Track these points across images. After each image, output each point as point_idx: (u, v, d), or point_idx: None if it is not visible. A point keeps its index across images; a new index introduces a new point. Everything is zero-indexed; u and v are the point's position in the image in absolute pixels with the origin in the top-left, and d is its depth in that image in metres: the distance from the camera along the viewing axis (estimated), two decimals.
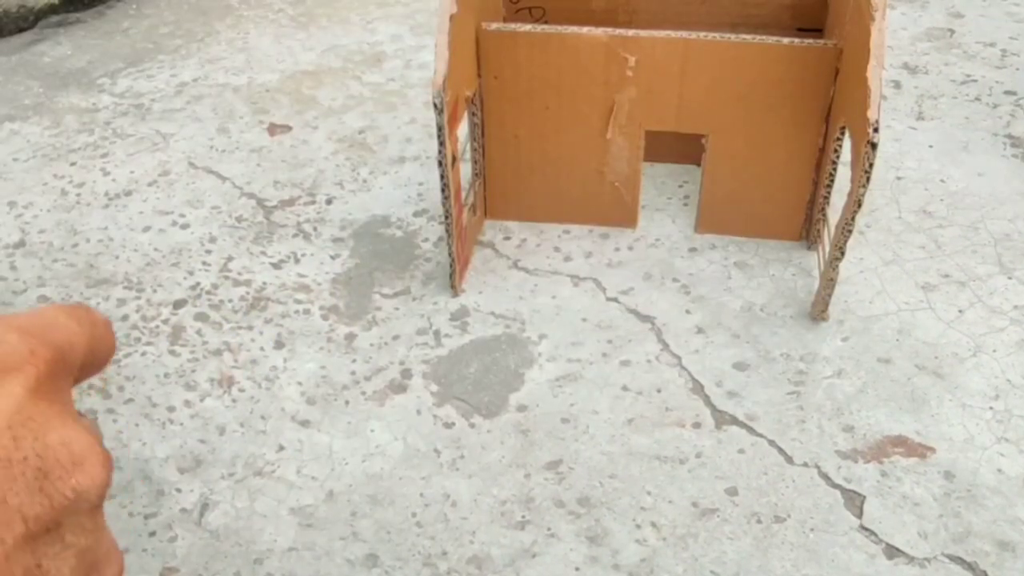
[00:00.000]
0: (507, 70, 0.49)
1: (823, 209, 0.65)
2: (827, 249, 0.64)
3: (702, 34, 0.56)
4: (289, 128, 0.83)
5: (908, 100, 0.85)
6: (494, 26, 0.53)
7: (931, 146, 0.80)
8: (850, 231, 0.56)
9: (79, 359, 0.24)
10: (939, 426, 0.57)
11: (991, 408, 0.58)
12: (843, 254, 0.58)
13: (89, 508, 0.22)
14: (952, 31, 0.96)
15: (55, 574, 0.21)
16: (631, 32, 0.56)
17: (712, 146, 0.61)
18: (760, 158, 0.63)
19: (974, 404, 0.58)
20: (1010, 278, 0.67)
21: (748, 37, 0.57)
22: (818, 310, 0.62)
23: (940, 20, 0.97)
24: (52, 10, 1.00)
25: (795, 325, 0.62)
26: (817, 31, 0.66)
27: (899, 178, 0.76)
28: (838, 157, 0.62)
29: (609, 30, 0.55)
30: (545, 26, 0.55)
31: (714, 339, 0.62)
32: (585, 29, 0.55)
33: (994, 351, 0.61)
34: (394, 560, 0.50)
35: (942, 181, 0.76)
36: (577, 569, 0.50)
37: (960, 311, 0.64)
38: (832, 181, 0.63)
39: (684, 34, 0.56)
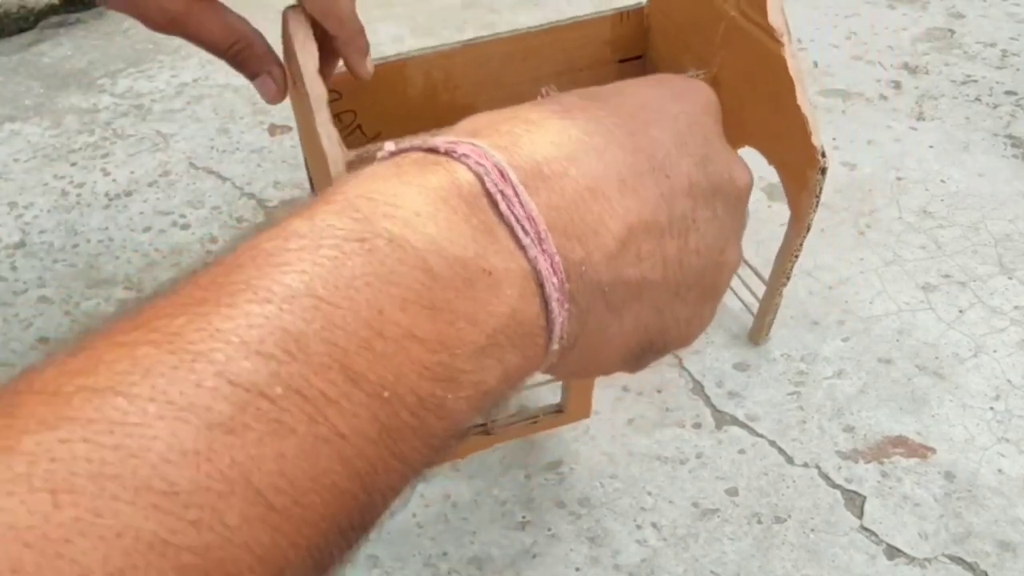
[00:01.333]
0: None
1: None
2: (753, 275, 0.62)
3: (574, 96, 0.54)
4: (290, 129, 0.83)
5: (908, 100, 0.85)
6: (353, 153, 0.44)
7: (931, 146, 0.80)
8: (797, 256, 0.55)
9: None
10: (939, 426, 0.57)
11: (991, 408, 0.58)
12: (788, 279, 0.57)
13: (736, 200, 0.30)
14: (952, 31, 0.96)
15: (703, 229, 0.28)
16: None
17: None
18: None
19: (974, 404, 0.58)
20: (1010, 278, 0.67)
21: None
22: (762, 335, 0.61)
23: (940, 20, 0.97)
24: (52, 10, 1.00)
25: (795, 325, 0.62)
26: (637, 58, 0.64)
27: (899, 178, 0.76)
28: None
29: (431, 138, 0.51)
30: (409, 137, 0.51)
31: (714, 339, 0.62)
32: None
33: (994, 351, 0.61)
34: (394, 560, 0.50)
35: (942, 181, 0.76)
36: (578, 569, 0.50)
37: (960, 311, 0.64)
38: None
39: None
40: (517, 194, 0.24)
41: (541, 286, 0.24)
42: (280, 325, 0.19)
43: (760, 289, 0.66)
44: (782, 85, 0.50)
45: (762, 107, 0.53)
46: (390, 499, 0.21)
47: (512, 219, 0.23)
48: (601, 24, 0.62)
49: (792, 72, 0.49)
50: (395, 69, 0.58)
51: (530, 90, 0.55)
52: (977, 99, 0.86)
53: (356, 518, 0.20)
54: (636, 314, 0.28)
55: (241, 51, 0.48)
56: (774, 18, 0.49)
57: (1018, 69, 0.90)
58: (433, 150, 0.24)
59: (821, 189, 0.51)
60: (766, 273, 0.64)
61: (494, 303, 0.23)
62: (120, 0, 0.47)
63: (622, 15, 0.62)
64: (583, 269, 0.25)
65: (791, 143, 0.51)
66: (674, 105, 0.30)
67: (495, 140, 0.25)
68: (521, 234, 0.23)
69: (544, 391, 0.58)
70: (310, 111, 0.42)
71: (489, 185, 0.23)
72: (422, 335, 0.21)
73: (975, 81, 0.88)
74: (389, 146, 0.26)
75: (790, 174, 0.53)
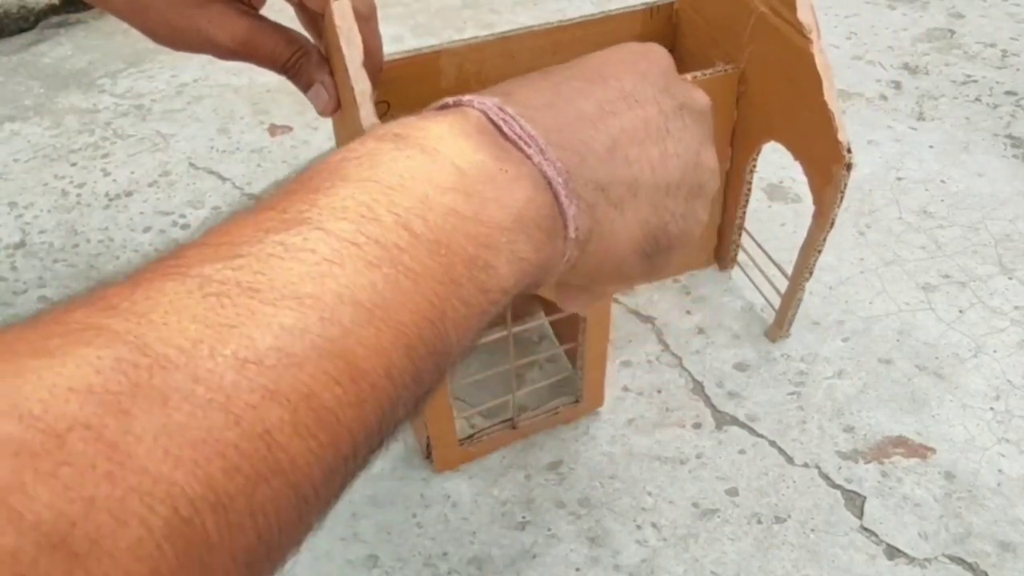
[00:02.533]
0: None
1: (739, 231, 0.65)
2: (767, 269, 0.63)
3: None
4: (290, 129, 0.83)
5: (908, 101, 0.85)
6: None
7: (931, 147, 0.80)
8: (820, 251, 0.55)
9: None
10: (940, 427, 0.57)
11: (992, 408, 0.58)
12: (811, 274, 0.57)
13: (700, 113, 0.35)
14: (952, 31, 0.96)
15: (677, 136, 0.34)
16: None
17: None
18: None
19: (975, 405, 0.58)
20: (1010, 278, 0.67)
21: None
22: (784, 331, 0.62)
23: (940, 20, 0.97)
24: (53, 10, 1.00)
25: (795, 326, 0.62)
26: None
27: (899, 179, 0.76)
28: (752, 179, 0.61)
29: None
30: None
31: (715, 340, 0.62)
32: None
33: (995, 351, 0.61)
34: (395, 561, 0.50)
35: (943, 182, 0.76)
36: (578, 570, 0.50)
37: (961, 311, 0.64)
38: (747, 202, 0.63)
39: None
40: (516, 120, 0.30)
41: (550, 183, 0.30)
42: (359, 200, 0.26)
43: (765, 286, 0.66)
44: (809, 81, 0.50)
45: (788, 102, 0.53)
46: (461, 338, 0.27)
47: (516, 137, 0.30)
48: (631, 19, 0.62)
49: (820, 68, 0.50)
50: (429, 61, 0.58)
51: None
52: (977, 99, 0.86)
53: (437, 344, 0.26)
54: (636, 209, 0.33)
55: (299, 61, 0.49)
56: (803, 14, 0.49)
57: (1018, 69, 0.90)
58: (444, 105, 0.31)
59: (846, 185, 0.51)
60: (769, 271, 0.64)
61: (515, 191, 0.29)
62: (179, 37, 0.48)
63: (652, 10, 0.62)
64: (582, 171, 0.31)
65: (817, 138, 0.51)
66: (634, 60, 0.35)
67: (490, 96, 0.31)
68: (525, 147, 0.30)
69: (564, 389, 0.58)
70: (353, 104, 0.43)
71: (493, 116, 0.30)
72: (462, 211, 0.27)
73: (975, 81, 0.88)
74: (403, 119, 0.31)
75: (815, 169, 0.53)
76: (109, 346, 0.19)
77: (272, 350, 0.21)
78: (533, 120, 0.30)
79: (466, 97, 0.31)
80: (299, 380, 0.21)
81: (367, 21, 0.48)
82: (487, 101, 0.30)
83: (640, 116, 0.33)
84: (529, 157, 0.30)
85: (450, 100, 0.31)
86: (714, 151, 0.37)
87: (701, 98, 0.36)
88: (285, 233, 0.24)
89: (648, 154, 0.33)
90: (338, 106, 0.49)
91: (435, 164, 0.27)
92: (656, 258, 0.35)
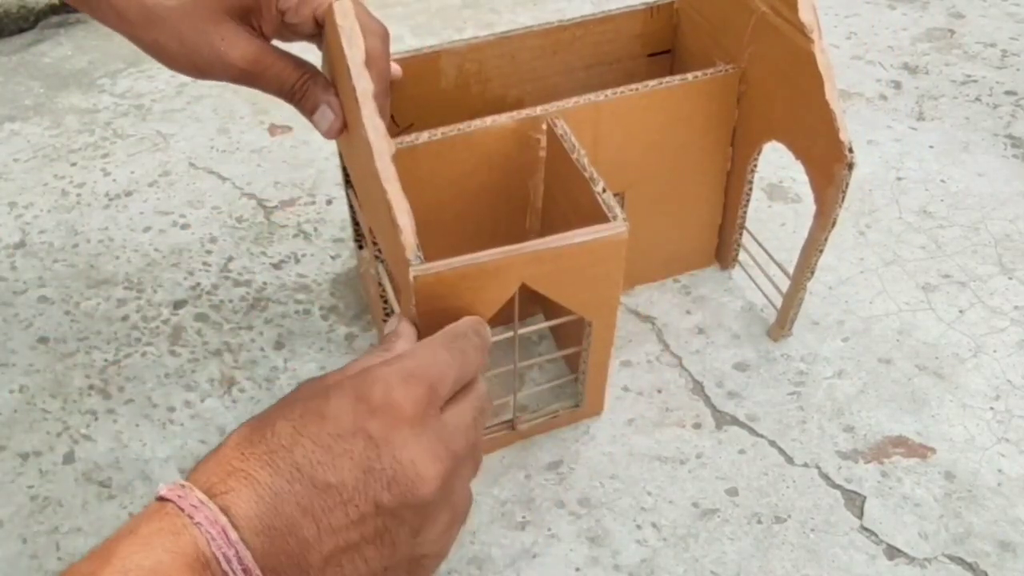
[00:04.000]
0: (409, 188, 0.43)
1: (740, 230, 0.65)
2: (769, 269, 0.63)
3: (610, 92, 0.53)
4: (290, 129, 0.83)
5: (908, 101, 0.85)
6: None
7: (931, 147, 0.80)
8: (821, 251, 0.55)
9: (449, 392, 0.39)
10: (939, 426, 0.57)
11: (992, 408, 0.58)
12: (813, 273, 0.57)
13: (421, 504, 0.36)
14: (952, 31, 0.96)
15: (395, 531, 0.35)
16: (539, 109, 0.52)
17: (628, 202, 0.58)
18: (673, 198, 0.61)
19: (974, 404, 0.58)
20: (1010, 278, 0.67)
21: (653, 83, 0.54)
22: (785, 330, 0.62)
23: (940, 20, 0.97)
24: (52, 10, 1.00)
25: (796, 325, 0.62)
26: (666, 52, 0.64)
27: (899, 179, 0.76)
28: (753, 179, 0.61)
29: (514, 114, 0.51)
30: (444, 128, 0.50)
31: (714, 339, 0.62)
32: (489, 119, 0.50)
33: (994, 351, 0.61)
34: None
35: (943, 181, 0.76)
36: (578, 569, 0.50)
37: (960, 311, 0.64)
38: (748, 202, 0.63)
39: (593, 97, 0.53)
40: (238, 553, 0.32)
41: None
42: None
43: (766, 285, 0.66)
44: (811, 81, 0.50)
45: (790, 102, 0.53)
46: None
47: (230, 572, 0.32)
48: (631, 19, 0.62)
49: (822, 68, 0.50)
50: (429, 61, 0.58)
51: (561, 83, 0.55)
52: (977, 99, 0.86)
53: None
54: None
55: (306, 83, 0.49)
56: (805, 14, 0.49)
57: (1018, 69, 0.90)
58: (182, 509, 0.33)
59: (848, 184, 0.51)
60: (770, 271, 0.64)
61: None
62: (191, 54, 0.48)
63: (652, 10, 0.62)
64: None
65: (818, 138, 0.51)
66: (370, 421, 0.36)
67: (221, 501, 0.33)
68: None
69: (564, 392, 0.58)
70: (355, 104, 0.42)
71: (215, 549, 0.32)
72: None
73: (975, 81, 0.88)
74: (160, 489, 0.34)
75: (817, 169, 0.53)
76: None
77: None
78: (253, 541, 0.33)
79: (201, 509, 0.33)
80: None
81: (380, 60, 0.49)
82: (215, 525, 0.33)
83: (356, 523, 0.35)
84: None
85: (186, 506, 0.33)
86: (436, 531, 0.38)
87: (425, 485, 0.36)
88: None
89: (365, 555, 0.35)
90: (344, 127, 0.48)
91: None
92: None
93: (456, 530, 0.39)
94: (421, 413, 0.37)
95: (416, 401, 0.37)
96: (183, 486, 0.34)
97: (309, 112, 0.50)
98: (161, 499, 0.34)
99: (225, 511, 0.33)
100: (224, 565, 0.32)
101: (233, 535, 0.33)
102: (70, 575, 0.31)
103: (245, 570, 0.33)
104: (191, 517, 0.33)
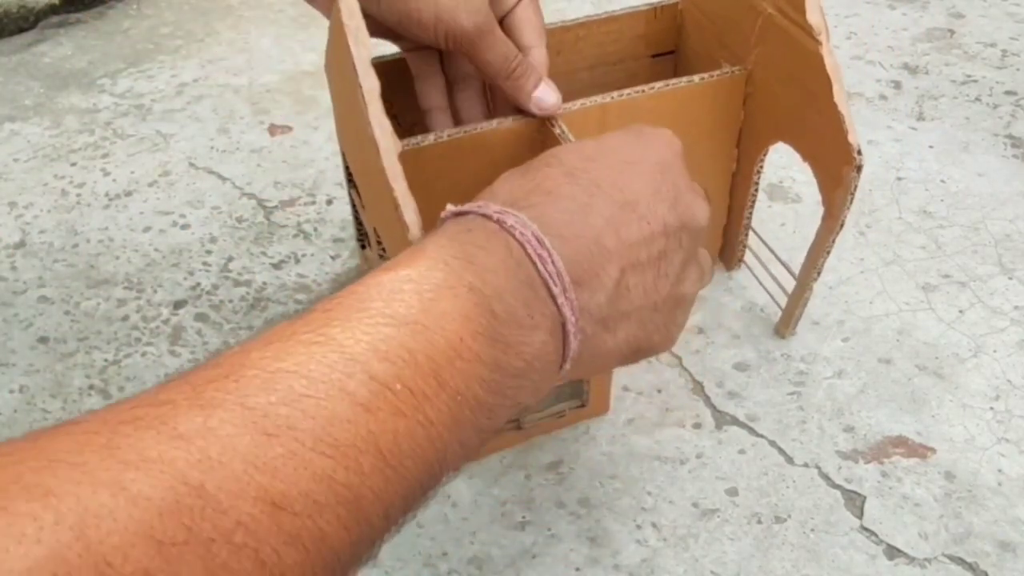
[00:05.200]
0: (415, 188, 0.43)
1: (746, 231, 0.65)
2: (773, 268, 0.63)
3: (616, 94, 0.53)
4: (290, 129, 0.83)
5: (908, 101, 0.85)
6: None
7: (931, 147, 0.80)
8: (829, 252, 0.55)
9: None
10: (939, 426, 0.57)
11: (991, 408, 0.58)
12: (819, 274, 0.57)
13: (697, 231, 0.39)
14: (952, 31, 0.96)
15: (671, 258, 0.37)
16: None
17: None
18: None
19: (974, 404, 0.58)
20: (1010, 278, 0.67)
21: (660, 84, 0.54)
22: (789, 329, 0.62)
23: (940, 20, 0.97)
24: (52, 10, 1.00)
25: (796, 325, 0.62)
26: (669, 53, 0.64)
27: (899, 178, 0.76)
28: (759, 180, 0.61)
29: (519, 116, 0.51)
30: (450, 130, 0.50)
31: (714, 339, 0.62)
32: (495, 121, 0.50)
33: (994, 351, 0.61)
34: (394, 561, 0.50)
35: (942, 181, 0.76)
36: (577, 569, 0.50)
37: (960, 311, 0.64)
38: (753, 203, 0.63)
39: (599, 99, 0.53)
40: (551, 256, 0.32)
41: (563, 325, 0.33)
42: (400, 342, 0.27)
43: (771, 286, 0.66)
44: (819, 83, 0.50)
45: (797, 104, 0.53)
46: (449, 476, 0.30)
47: (547, 275, 0.32)
48: (635, 19, 0.62)
49: (829, 70, 0.50)
50: None
51: (564, 84, 0.54)
52: (977, 99, 0.86)
53: (430, 484, 0.29)
54: (626, 330, 0.37)
55: (521, 64, 0.49)
56: (812, 16, 0.49)
57: (1018, 69, 0.90)
58: (487, 217, 0.33)
59: (856, 186, 0.51)
60: (775, 269, 0.64)
61: (532, 339, 0.31)
62: (401, 17, 0.46)
63: (656, 10, 0.62)
64: (590, 307, 0.34)
65: (826, 140, 0.51)
66: (651, 154, 0.39)
67: (529, 212, 0.34)
68: (552, 287, 0.32)
69: (566, 390, 0.58)
70: (362, 102, 0.42)
71: (531, 251, 0.32)
72: (485, 358, 0.29)
73: (975, 81, 0.88)
74: (451, 207, 0.35)
75: (824, 171, 0.53)
76: (171, 487, 0.22)
77: (302, 496, 0.24)
78: (561, 248, 0.33)
79: (509, 216, 0.33)
80: (318, 526, 0.24)
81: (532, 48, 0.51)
82: (527, 229, 0.32)
83: (647, 241, 0.36)
84: (554, 298, 0.32)
85: (493, 213, 0.33)
86: (700, 263, 0.40)
87: (702, 214, 0.39)
88: (329, 369, 0.26)
89: (644, 279, 0.36)
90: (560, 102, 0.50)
91: (475, 307, 0.30)
92: (636, 358, 0.39)
93: (699, 284, 0.41)
94: (682, 154, 0.40)
95: (680, 146, 0.40)
96: (475, 204, 0.34)
97: (532, 87, 0.49)
98: (454, 215, 0.34)
99: (534, 219, 0.33)
100: (541, 268, 0.32)
101: (546, 241, 0.33)
102: (384, 269, 0.30)
103: (558, 274, 0.32)
104: (501, 222, 0.33)
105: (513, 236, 0.32)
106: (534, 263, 0.32)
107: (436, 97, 0.54)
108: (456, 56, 0.53)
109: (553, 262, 0.32)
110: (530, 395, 0.32)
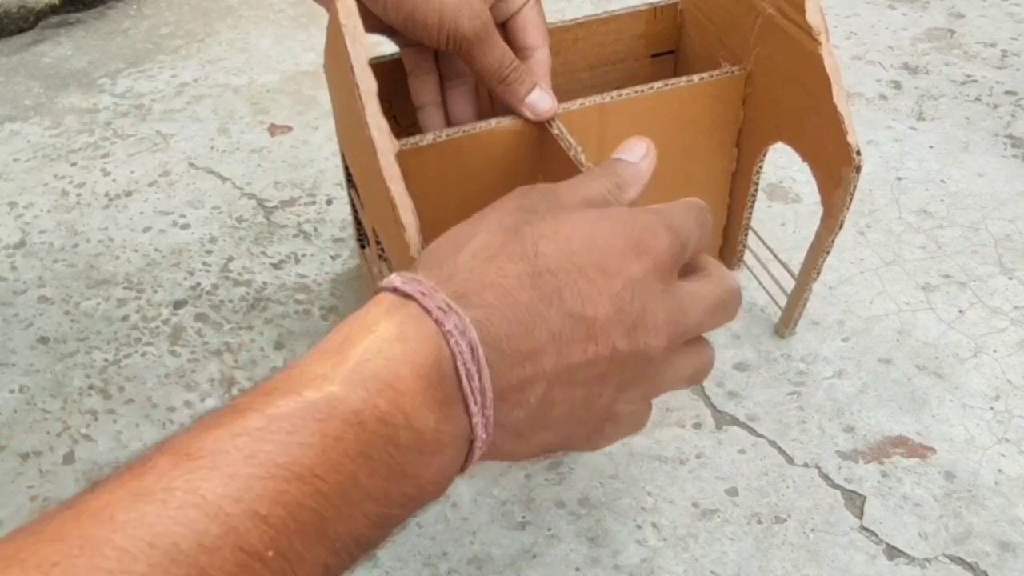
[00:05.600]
0: (413, 188, 0.42)
1: (746, 231, 0.65)
2: (773, 269, 0.63)
3: (615, 94, 0.53)
4: (290, 128, 0.83)
5: (908, 101, 0.85)
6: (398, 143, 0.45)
7: (931, 147, 0.80)
8: (828, 252, 0.55)
9: (688, 256, 0.38)
10: (940, 426, 0.57)
11: (992, 408, 0.58)
12: (819, 274, 0.57)
13: (646, 362, 0.35)
14: (952, 31, 0.96)
15: (612, 383, 0.34)
16: None
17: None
18: (678, 199, 0.61)
19: (974, 405, 0.58)
20: (1010, 278, 0.67)
21: (659, 84, 0.54)
22: (789, 328, 0.62)
23: (940, 20, 0.97)
24: (52, 10, 1.00)
25: (796, 325, 0.62)
26: (670, 53, 0.64)
27: (899, 179, 0.76)
28: (758, 180, 0.61)
29: (518, 117, 0.51)
30: (448, 129, 0.50)
31: (715, 339, 0.62)
32: (494, 121, 0.50)
33: (994, 351, 0.61)
34: (394, 561, 0.50)
35: (943, 181, 0.76)
36: (577, 569, 0.50)
37: (960, 311, 0.64)
38: (753, 203, 0.63)
39: (598, 99, 0.52)
40: (479, 372, 0.30)
41: (471, 441, 0.31)
42: (286, 501, 0.25)
43: (771, 286, 0.66)
44: (818, 83, 0.50)
45: (796, 104, 0.53)
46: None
47: (469, 392, 0.30)
48: (635, 19, 0.62)
49: (829, 70, 0.50)
50: None
51: (563, 84, 0.55)
52: (977, 99, 0.86)
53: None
54: (541, 438, 0.34)
55: (516, 70, 0.49)
56: (812, 16, 0.49)
57: (1018, 69, 0.90)
58: (427, 312, 0.30)
59: (855, 187, 0.51)
60: (774, 269, 0.64)
61: (432, 463, 0.29)
62: (399, 14, 0.46)
63: (656, 10, 0.62)
64: (507, 423, 0.32)
65: (825, 141, 0.51)
66: (634, 263, 0.35)
67: (475, 314, 0.31)
68: (471, 404, 0.30)
69: None
70: (359, 103, 0.42)
71: (460, 364, 0.30)
72: (376, 494, 0.28)
73: (975, 81, 0.88)
74: (397, 279, 0.31)
75: (824, 172, 0.53)
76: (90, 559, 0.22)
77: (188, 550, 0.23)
78: (494, 362, 0.31)
79: (451, 316, 0.30)
80: None
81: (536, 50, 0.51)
82: (464, 338, 0.30)
83: (589, 363, 0.33)
84: (470, 416, 0.30)
85: (433, 309, 0.30)
86: (646, 391, 0.37)
87: (658, 344, 0.35)
88: (193, 534, 0.24)
89: (573, 397, 0.34)
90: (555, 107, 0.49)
91: (380, 439, 0.28)
92: (553, 457, 0.38)
93: (648, 410, 0.39)
94: (671, 268, 0.36)
95: (673, 256, 0.36)
96: (422, 283, 0.31)
97: (525, 92, 0.49)
98: (396, 291, 0.31)
99: (476, 324, 0.31)
100: (465, 384, 0.30)
101: (480, 353, 0.30)
102: (295, 373, 0.29)
103: (482, 391, 0.30)
104: (440, 324, 0.30)
105: (447, 343, 0.30)
106: (459, 377, 0.30)
107: (429, 93, 0.54)
108: (451, 54, 0.53)
109: (480, 379, 0.30)
110: (413, 511, 0.30)
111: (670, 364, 0.37)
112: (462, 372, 0.30)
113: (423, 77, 0.53)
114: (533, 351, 0.32)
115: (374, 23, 0.43)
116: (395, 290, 0.31)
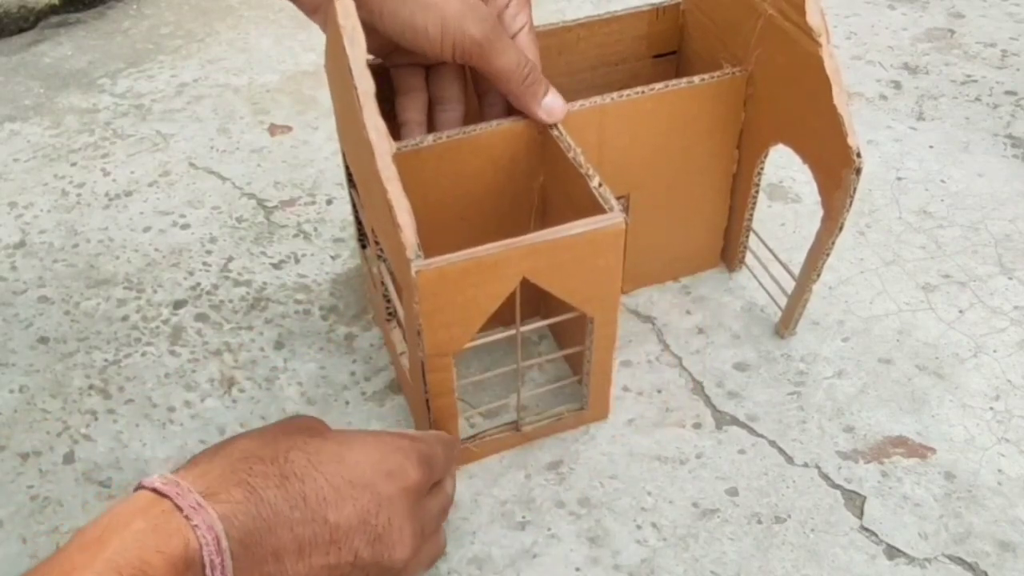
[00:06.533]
0: (413, 190, 0.43)
1: (747, 232, 0.64)
2: (774, 270, 0.63)
3: (616, 95, 0.53)
4: (290, 128, 0.83)
5: (908, 100, 0.85)
6: (397, 146, 0.45)
7: (931, 147, 0.80)
8: (828, 254, 0.55)
9: (434, 481, 0.44)
10: (940, 426, 0.57)
11: (992, 408, 0.58)
12: (819, 275, 0.57)
13: (387, 572, 0.40)
14: (952, 31, 0.96)
15: None
16: None
17: (633, 204, 0.58)
18: (679, 200, 0.60)
19: (974, 405, 0.58)
20: (1010, 278, 0.67)
21: (660, 85, 0.54)
22: (789, 328, 0.62)
23: (940, 20, 0.97)
24: (52, 10, 1.00)
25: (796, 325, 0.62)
26: (671, 54, 0.64)
27: (899, 178, 0.76)
28: (759, 181, 0.61)
29: (518, 116, 0.51)
30: (451, 131, 0.50)
31: (715, 339, 0.62)
32: (494, 122, 0.50)
33: (994, 351, 0.61)
34: None
35: (942, 181, 0.76)
36: (577, 569, 0.50)
37: (960, 311, 0.64)
38: (754, 204, 0.62)
39: (599, 100, 0.52)
40: (223, 565, 0.34)
41: None
42: None
43: (772, 287, 0.66)
44: (818, 84, 0.50)
45: (797, 105, 0.53)
46: None
47: None
48: (637, 20, 0.62)
49: (829, 72, 0.50)
50: None
51: (565, 84, 0.55)
52: (977, 99, 0.86)
53: None
54: None
55: (532, 72, 0.49)
56: (812, 18, 0.49)
57: (1018, 69, 0.90)
58: (179, 509, 0.34)
59: (855, 189, 0.51)
60: (774, 269, 0.64)
61: None
62: (406, 27, 0.46)
63: (658, 11, 0.62)
64: None
65: (826, 142, 0.51)
66: (384, 483, 0.40)
67: (224, 509, 0.35)
68: None
69: (566, 394, 0.58)
70: (357, 104, 0.42)
71: (205, 555, 0.33)
72: None
73: (975, 81, 0.88)
74: (157, 480, 0.35)
75: (824, 173, 0.53)
76: None
77: None
78: (239, 555, 0.34)
79: (200, 513, 0.34)
80: None
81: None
82: (211, 531, 0.34)
83: (331, 566, 0.37)
84: None
85: (184, 506, 0.34)
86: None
87: (400, 557, 0.40)
88: None
89: None
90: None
91: None
92: None
93: None
94: (419, 491, 0.41)
95: (420, 481, 0.41)
96: (178, 484, 0.35)
97: (541, 95, 0.49)
98: (154, 491, 0.35)
99: (222, 519, 0.34)
100: (208, 572, 0.33)
101: (224, 544, 0.34)
102: (59, 560, 0.32)
103: None
104: (189, 519, 0.34)
105: (195, 535, 0.33)
106: (203, 566, 0.33)
107: (417, 112, 0.53)
108: (443, 77, 0.53)
109: (223, 567, 0.34)
110: None
111: (412, 561, 0.42)
112: (207, 562, 0.33)
113: (412, 95, 0.53)
114: (276, 549, 0.36)
115: (370, 43, 0.43)
116: (154, 490, 0.35)
